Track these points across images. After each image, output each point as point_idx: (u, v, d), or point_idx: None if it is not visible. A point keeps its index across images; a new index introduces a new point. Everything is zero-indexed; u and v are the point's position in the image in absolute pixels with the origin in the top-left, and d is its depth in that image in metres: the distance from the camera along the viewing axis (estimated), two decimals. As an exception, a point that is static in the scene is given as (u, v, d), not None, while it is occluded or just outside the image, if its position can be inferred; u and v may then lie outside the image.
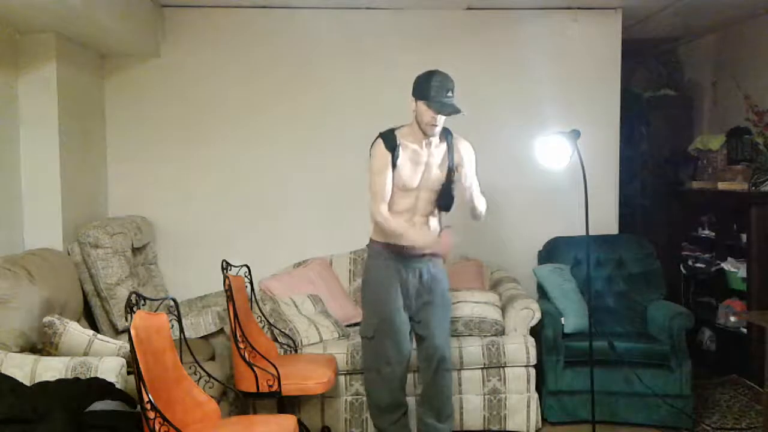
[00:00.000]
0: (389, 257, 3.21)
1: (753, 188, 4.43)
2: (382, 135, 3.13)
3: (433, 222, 3.26)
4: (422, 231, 3.19)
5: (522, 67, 4.58)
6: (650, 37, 5.52)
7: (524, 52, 4.58)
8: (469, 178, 3.22)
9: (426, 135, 3.10)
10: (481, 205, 3.26)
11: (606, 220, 4.62)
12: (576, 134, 3.35)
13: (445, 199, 3.20)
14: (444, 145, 3.19)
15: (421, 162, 3.14)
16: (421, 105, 3.02)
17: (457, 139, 3.23)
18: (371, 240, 3.32)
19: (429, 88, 2.98)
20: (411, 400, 3.48)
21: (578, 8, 4.55)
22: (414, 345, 3.35)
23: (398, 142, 3.10)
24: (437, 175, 3.17)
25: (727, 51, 5.37)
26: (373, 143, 3.16)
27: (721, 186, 4.74)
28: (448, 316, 3.41)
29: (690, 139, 5.50)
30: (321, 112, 4.53)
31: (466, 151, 3.24)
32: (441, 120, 3.05)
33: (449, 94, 3.00)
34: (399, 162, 3.10)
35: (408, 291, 3.23)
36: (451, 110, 3.00)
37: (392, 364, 3.23)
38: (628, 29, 4.75)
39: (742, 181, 4.61)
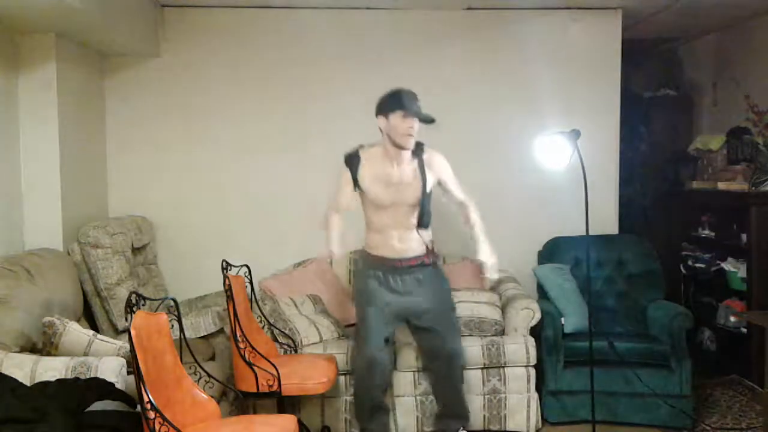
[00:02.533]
0: (376, 266, 3.28)
1: (753, 188, 4.42)
2: (345, 154, 3.22)
3: (416, 235, 3.25)
4: (330, 242, 3.26)
5: (522, 67, 4.57)
6: (650, 37, 5.52)
7: (524, 52, 4.58)
8: (455, 192, 3.28)
9: (403, 148, 3.13)
10: (474, 213, 3.30)
11: (606, 220, 4.62)
12: (576, 134, 3.35)
13: (423, 216, 3.22)
14: (416, 162, 3.20)
15: (393, 181, 3.17)
16: (395, 117, 3.06)
17: (428, 152, 3.23)
18: (362, 249, 3.39)
19: (400, 99, 3.05)
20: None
21: (578, 8, 4.55)
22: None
23: (360, 160, 3.17)
24: (412, 191, 3.18)
25: (727, 51, 5.36)
26: None
27: (721, 186, 4.74)
28: (452, 313, 3.46)
29: (690, 139, 5.49)
30: (321, 111, 4.52)
31: (440, 164, 3.25)
32: (416, 129, 3.08)
33: (419, 104, 3.07)
34: (364, 178, 3.16)
35: (402, 297, 3.28)
36: (426, 117, 3.05)
37: (369, 363, 3.30)
38: (628, 29, 4.74)
39: (742, 181, 4.61)
